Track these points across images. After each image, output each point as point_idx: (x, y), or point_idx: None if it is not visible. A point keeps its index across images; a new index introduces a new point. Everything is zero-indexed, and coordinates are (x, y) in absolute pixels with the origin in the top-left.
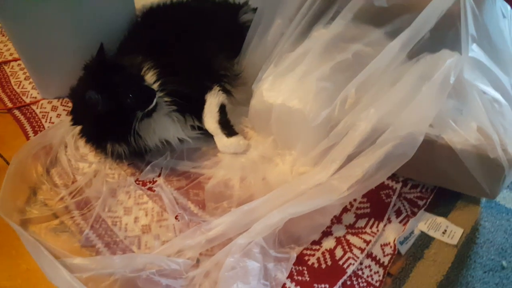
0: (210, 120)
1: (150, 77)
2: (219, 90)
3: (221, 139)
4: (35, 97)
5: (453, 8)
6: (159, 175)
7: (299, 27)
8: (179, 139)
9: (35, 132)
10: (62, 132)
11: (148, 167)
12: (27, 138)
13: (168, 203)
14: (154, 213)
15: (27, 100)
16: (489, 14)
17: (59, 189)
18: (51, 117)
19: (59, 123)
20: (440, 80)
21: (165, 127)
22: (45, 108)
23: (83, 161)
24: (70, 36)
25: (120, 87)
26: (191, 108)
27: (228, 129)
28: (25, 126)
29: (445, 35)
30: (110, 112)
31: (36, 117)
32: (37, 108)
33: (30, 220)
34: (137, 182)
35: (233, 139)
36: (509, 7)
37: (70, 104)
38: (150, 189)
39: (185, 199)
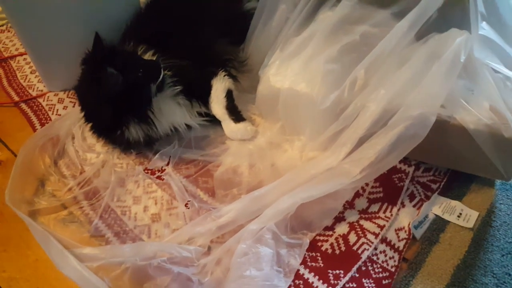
0: (217, 105)
1: (147, 57)
2: (224, 75)
3: (228, 124)
4: (41, 90)
5: None
6: (167, 164)
7: (304, 11)
8: (186, 125)
9: (42, 125)
10: (68, 123)
11: (157, 156)
12: (34, 130)
13: (178, 191)
14: (163, 202)
15: (34, 93)
16: None
17: (67, 180)
18: (57, 109)
19: (65, 114)
20: (450, 59)
21: (172, 110)
22: (51, 100)
23: (91, 151)
24: (76, 29)
25: (128, 65)
26: (196, 93)
27: (236, 114)
28: (32, 119)
29: (454, 14)
30: (128, 89)
31: (43, 109)
32: (43, 101)
33: (38, 211)
34: (146, 171)
35: (241, 125)
36: None
37: (76, 96)
38: (159, 177)
39: (194, 187)
